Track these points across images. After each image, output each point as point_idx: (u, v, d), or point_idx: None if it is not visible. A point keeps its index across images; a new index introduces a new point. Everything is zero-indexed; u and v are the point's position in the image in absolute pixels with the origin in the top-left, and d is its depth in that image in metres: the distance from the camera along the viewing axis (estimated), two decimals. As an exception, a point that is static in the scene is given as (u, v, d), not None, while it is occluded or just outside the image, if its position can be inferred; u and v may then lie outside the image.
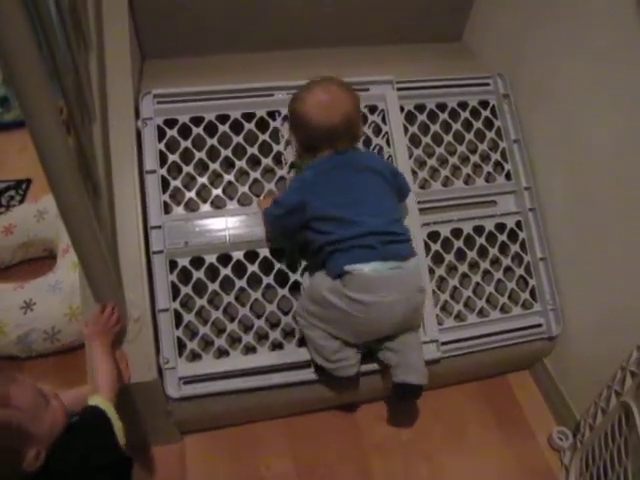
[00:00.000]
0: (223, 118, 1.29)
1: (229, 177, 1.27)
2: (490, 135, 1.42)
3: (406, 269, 1.12)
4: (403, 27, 1.59)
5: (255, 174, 1.28)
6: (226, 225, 1.24)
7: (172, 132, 1.26)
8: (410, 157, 1.35)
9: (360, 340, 1.18)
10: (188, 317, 1.21)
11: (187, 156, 1.27)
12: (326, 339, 1.16)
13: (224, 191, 1.27)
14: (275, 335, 1.23)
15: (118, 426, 0.87)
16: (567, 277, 1.33)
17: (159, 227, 1.22)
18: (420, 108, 1.39)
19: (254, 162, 1.30)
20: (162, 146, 1.26)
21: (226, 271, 1.22)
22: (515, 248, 1.37)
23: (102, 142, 1.15)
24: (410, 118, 1.38)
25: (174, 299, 1.20)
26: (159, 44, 1.49)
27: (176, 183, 1.25)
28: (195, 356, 1.20)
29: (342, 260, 1.10)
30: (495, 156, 1.41)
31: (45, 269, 1.48)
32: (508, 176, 1.41)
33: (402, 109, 1.37)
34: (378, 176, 1.17)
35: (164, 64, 1.48)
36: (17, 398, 0.77)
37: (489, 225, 1.36)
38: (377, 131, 1.36)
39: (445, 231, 1.33)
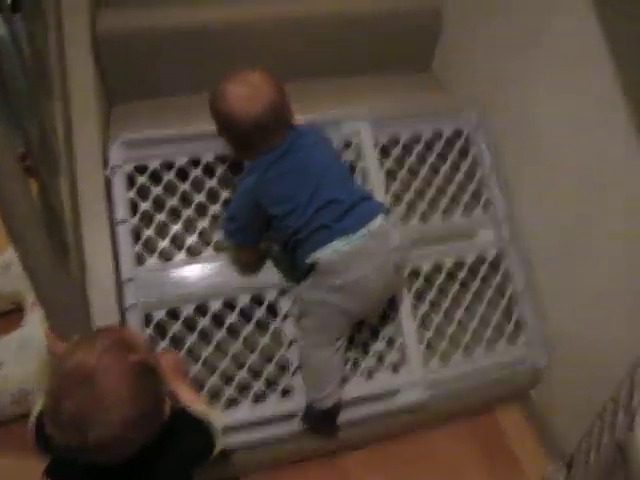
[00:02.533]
0: (195, 162, 1.35)
1: (203, 223, 1.31)
2: (466, 165, 1.50)
3: (367, 235, 1.15)
4: (372, 58, 1.70)
5: None
6: (202, 273, 1.28)
7: (142, 179, 1.32)
8: (387, 192, 1.40)
9: (360, 319, 1.28)
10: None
11: (159, 203, 1.34)
12: (327, 362, 1.21)
13: (199, 237, 1.31)
14: (258, 385, 1.26)
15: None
16: (552, 307, 1.43)
17: (132, 280, 1.25)
18: (394, 141, 1.46)
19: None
20: (133, 194, 1.31)
21: (204, 322, 1.26)
22: (497, 280, 1.44)
23: (70, 194, 1.19)
24: (385, 152, 1.46)
25: (151, 354, 1.21)
26: (126, 88, 1.57)
27: (149, 232, 1.30)
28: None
29: (303, 253, 1.16)
30: (472, 186, 1.49)
31: (14, 323, 1.49)
32: (486, 206, 1.50)
33: (376, 143, 1.43)
34: (317, 146, 1.23)
35: (132, 107, 1.56)
36: (139, 343, 0.84)
37: (470, 258, 1.44)
38: (352, 168, 1.41)
39: (426, 267, 1.41)
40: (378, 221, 1.17)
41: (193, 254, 1.31)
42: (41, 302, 0.94)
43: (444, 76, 1.73)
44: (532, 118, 1.38)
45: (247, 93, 1.14)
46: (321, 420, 1.26)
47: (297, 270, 1.23)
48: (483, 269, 1.44)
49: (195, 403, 1.00)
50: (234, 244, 1.27)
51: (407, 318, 1.35)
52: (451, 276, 1.43)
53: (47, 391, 0.77)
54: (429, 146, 1.50)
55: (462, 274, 1.42)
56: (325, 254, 1.12)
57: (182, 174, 1.34)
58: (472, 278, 1.44)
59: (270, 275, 1.31)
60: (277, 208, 1.16)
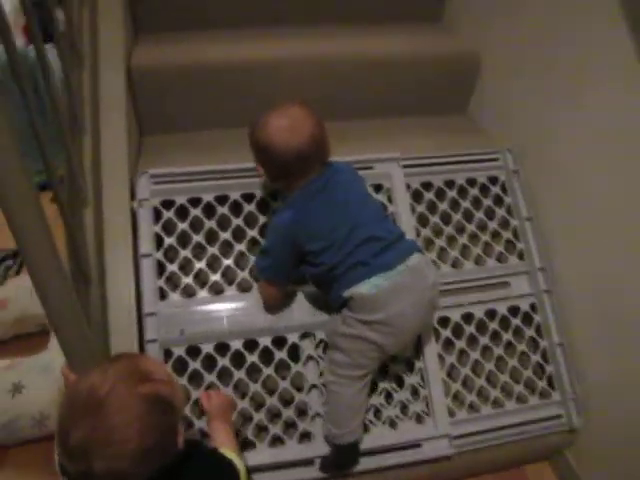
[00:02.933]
0: (222, 199, 1.36)
1: (228, 261, 1.32)
2: (500, 212, 1.48)
3: (406, 271, 1.15)
4: (407, 100, 1.70)
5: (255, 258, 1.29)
6: (224, 312, 1.28)
7: (169, 214, 1.31)
8: (418, 237, 1.37)
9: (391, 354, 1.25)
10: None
11: (184, 239, 1.34)
12: (353, 398, 1.19)
13: (223, 275, 1.33)
14: (275, 429, 1.23)
15: None
16: (588, 364, 1.37)
17: (153, 314, 1.24)
18: (427, 186, 1.45)
19: (254, 245, 1.33)
20: (158, 228, 1.31)
21: (224, 361, 1.25)
22: (530, 332, 1.40)
23: (94, 225, 1.19)
24: (417, 196, 1.44)
25: (168, 391, 1.19)
26: (158, 121, 1.60)
27: (172, 267, 1.29)
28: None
29: (338, 288, 1.17)
30: (506, 234, 1.47)
31: (40, 345, 1.51)
32: (521, 256, 1.47)
33: (408, 187, 1.41)
34: (353, 184, 1.25)
35: (163, 140, 1.58)
36: (156, 372, 0.83)
37: (502, 308, 1.40)
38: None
39: (456, 316, 1.38)
40: (415, 258, 1.18)
41: (216, 292, 1.30)
42: (56, 333, 0.93)
43: (480, 119, 1.72)
44: (569, 168, 1.35)
45: (288, 124, 1.16)
46: (339, 455, 1.23)
47: (331, 304, 1.23)
48: (516, 321, 1.40)
49: (226, 446, 0.99)
50: (265, 279, 1.25)
51: (433, 368, 1.32)
52: (482, 326, 1.38)
53: (58, 418, 0.77)
54: (463, 192, 1.48)
55: (493, 325, 1.38)
56: (364, 289, 1.12)
57: (209, 210, 1.34)
58: (504, 330, 1.39)
59: (294, 317, 1.29)
60: (314, 244, 1.16)
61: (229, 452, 0.97)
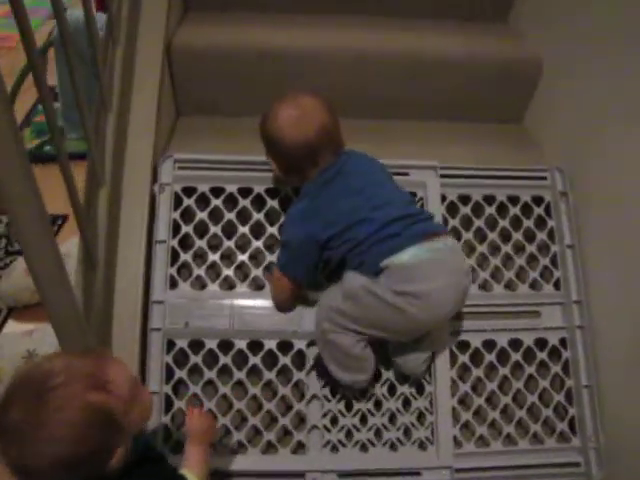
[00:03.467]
0: (245, 191, 1.32)
1: (243, 257, 1.28)
2: (541, 236, 1.38)
3: (446, 249, 1.10)
4: (456, 104, 1.60)
5: (271, 257, 1.27)
6: (232, 310, 1.24)
7: (189, 201, 1.28)
8: (446, 253, 1.28)
9: (402, 338, 1.18)
10: (178, 404, 1.21)
11: (202, 228, 1.30)
12: (356, 345, 1.13)
13: (236, 271, 1.27)
14: (270, 436, 1.19)
15: None
16: (617, 413, 1.26)
17: (161, 302, 1.21)
18: (465, 199, 1.36)
19: (271, 243, 1.30)
20: (177, 215, 1.27)
21: (226, 359, 1.21)
22: (556, 369, 1.30)
23: (108, 207, 1.17)
24: (452, 209, 1.35)
25: (167, 382, 1.19)
26: (197, 103, 1.56)
27: (186, 257, 1.26)
28: (180, 449, 1.16)
29: (373, 257, 1.08)
30: (544, 260, 1.37)
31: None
32: (557, 285, 1.36)
33: (444, 198, 1.34)
34: (370, 170, 1.19)
35: (200, 123, 1.55)
36: (115, 383, 0.77)
37: (528, 339, 1.30)
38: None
39: (476, 341, 1.29)
40: (450, 239, 1.13)
41: (227, 287, 1.26)
42: (48, 314, 0.91)
43: (535, 132, 1.59)
44: (624, 199, 1.22)
45: (298, 115, 1.13)
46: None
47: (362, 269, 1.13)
48: (542, 355, 1.29)
49: (191, 469, 0.92)
50: (284, 274, 1.19)
51: (444, 394, 1.24)
52: (503, 356, 1.29)
53: (4, 390, 0.74)
54: (503, 209, 1.37)
55: (517, 356, 1.28)
56: (405, 258, 1.05)
57: (230, 202, 1.30)
58: (527, 362, 1.29)
59: (303, 323, 1.23)
60: (333, 229, 1.10)
61: (191, 476, 0.90)
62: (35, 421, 0.70)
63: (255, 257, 1.29)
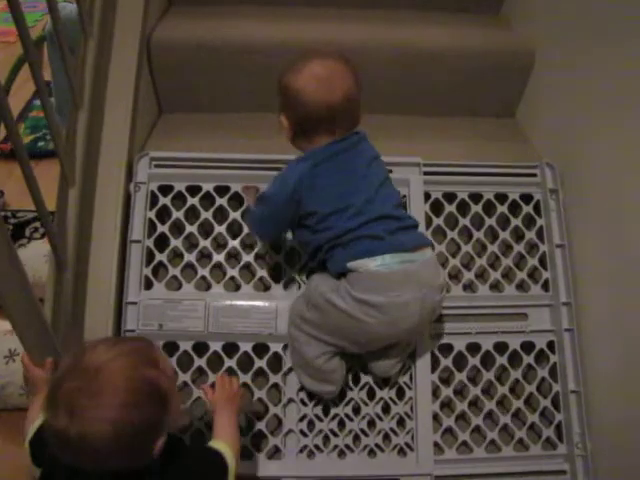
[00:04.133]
0: (222, 190, 1.27)
1: (219, 257, 1.24)
2: (529, 235, 1.33)
3: (420, 262, 1.04)
4: (445, 97, 1.54)
5: (248, 257, 1.26)
6: (207, 311, 1.20)
7: (165, 200, 1.25)
8: (429, 254, 1.23)
9: (364, 349, 1.13)
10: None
11: (178, 228, 1.26)
12: (321, 356, 1.10)
13: (211, 272, 1.24)
14: (244, 441, 1.15)
15: None
16: (605, 420, 1.20)
17: (135, 304, 1.18)
18: (450, 197, 1.32)
19: (248, 244, 1.26)
20: (153, 214, 1.24)
21: (201, 362, 1.18)
22: (543, 373, 1.25)
23: (80, 207, 1.14)
24: (436, 208, 1.30)
25: (142, 385, 1.13)
26: (179, 99, 1.53)
27: (161, 257, 1.22)
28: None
29: (343, 256, 1.04)
30: (532, 261, 1.32)
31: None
32: (545, 286, 1.30)
33: (428, 197, 1.29)
34: (376, 161, 1.12)
35: (183, 119, 1.52)
36: (164, 365, 0.81)
37: (514, 343, 1.26)
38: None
39: (460, 344, 1.25)
40: (429, 252, 1.07)
41: (202, 288, 1.22)
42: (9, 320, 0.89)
43: (525, 126, 1.53)
44: (616, 197, 1.16)
45: (326, 74, 1.03)
46: None
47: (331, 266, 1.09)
48: (529, 359, 1.24)
49: (220, 438, 0.94)
50: (252, 230, 1.17)
51: (425, 398, 1.19)
52: (488, 359, 1.24)
53: (57, 370, 0.79)
54: (490, 208, 1.32)
55: (502, 360, 1.23)
56: (373, 265, 1.00)
57: (207, 200, 1.26)
58: (513, 366, 1.24)
59: (279, 326, 1.18)
60: (323, 207, 1.04)
61: (221, 444, 0.91)
62: (91, 389, 0.72)
63: (232, 257, 1.25)
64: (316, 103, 1.03)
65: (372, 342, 1.09)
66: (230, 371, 1.18)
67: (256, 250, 1.24)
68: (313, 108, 1.03)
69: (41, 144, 2.20)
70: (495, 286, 1.29)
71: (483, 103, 1.55)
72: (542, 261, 1.30)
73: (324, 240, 1.05)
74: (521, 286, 1.29)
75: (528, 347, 1.25)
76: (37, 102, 2.45)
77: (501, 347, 1.24)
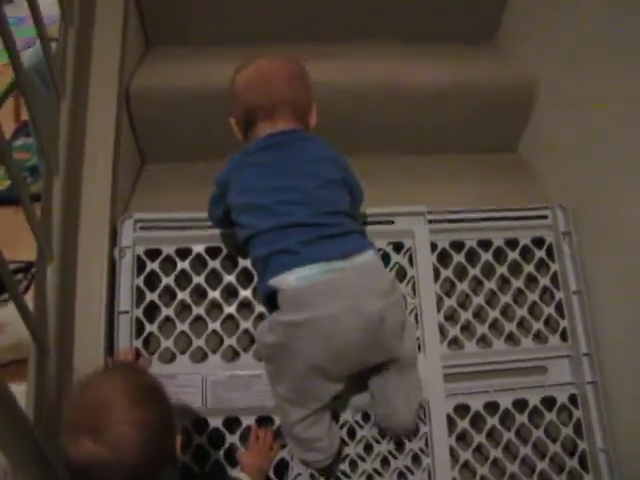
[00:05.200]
0: (214, 252, 1.17)
1: (214, 325, 1.14)
2: (543, 282, 1.25)
3: (350, 269, 0.94)
4: (445, 134, 1.47)
5: (246, 324, 1.15)
6: (204, 385, 1.09)
7: (153, 265, 1.16)
8: (440, 310, 1.15)
9: (336, 387, 0.99)
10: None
11: (168, 295, 1.16)
12: (299, 423, 1.00)
13: (207, 340, 1.14)
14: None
15: None
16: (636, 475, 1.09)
17: (126, 380, 1.05)
18: (457, 245, 1.24)
19: (245, 308, 1.17)
20: (140, 281, 1.14)
21: (201, 439, 1.08)
22: (567, 431, 1.17)
23: (60, 282, 1.04)
24: (444, 258, 1.22)
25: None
26: (162, 148, 1.43)
27: (152, 328, 1.12)
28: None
29: (264, 275, 0.97)
30: (548, 309, 1.23)
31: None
32: (564, 336, 1.22)
33: (434, 247, 1.20)
34: (324, 163, 1.03)
35: (166, 170, 1.42)
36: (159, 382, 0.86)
37: (534, 399, 1.17)
38: (401, 275, 1.18)
39: (477, 404, 1.16)
40: (364, 257, 0.96)
41: (197, 359, 1.12)
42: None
43: (531, 162, 1.45)
44: (634, 239, 1.08)
45: (266, 66, 1.04)
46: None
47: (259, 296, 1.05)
48: (551, 415, 1.15)
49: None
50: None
51: (443, 464, 1.10)
52: (507, 419, 1.15)
53: (64, 409, 0.80)
54: (500, 255, 1.23)
55: (522, 418, 1.14)
56: (292, 278, 0.91)
57: (198, 263, 1.16)
58: (535, 425, 1.15)
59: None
60: (240, 197, 0.99)
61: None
62: (103, 407, 0.75)
63: (226, 325, 1.15)
64: (252, 87, 1.02)
65: (333, 368, 0.95)
66: (232, 448, 1.08)
67: (254, 315, 1.14)
68: (249, 93, 1.02)
69: (21, 188, 2.09)
70: (510, 338, 1.20)
71: (485, 139, 1.47)
72: (559, 309, 1.21)
73: (242, 239, 1.01)
74: (538, 337, 1.20)
75: (549, 402, 1.16)
76: (18, 142, 2.35)
77: (521, 405, 1.15)
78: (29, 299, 1.50)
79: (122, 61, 1.24)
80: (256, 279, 1.14)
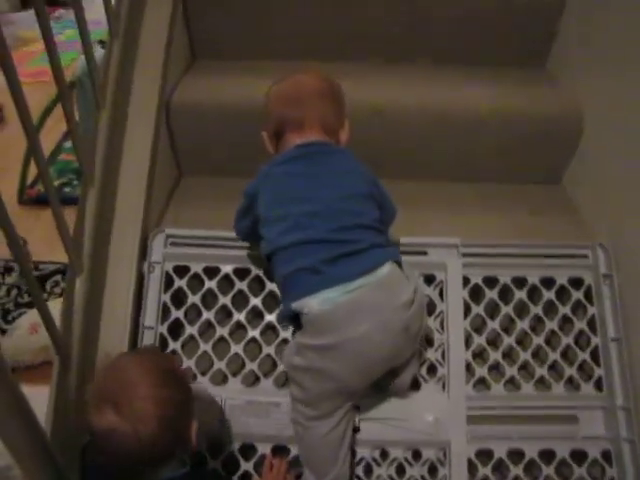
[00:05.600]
0: (242, 273, 1.16)
1: (237, 348, 1.12)
2: (580, 325, 1.18)
3: (370, 285, 0.92)
4: (485, 163, 1.42)
5: (268, 349, 1.14)
6: (223, 408, 1.06)
7: (181, 282, 1.15)
8: (468, 347, 1.12)
9: (354, 398, 1.01)
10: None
11: (194, 313, 1.16)
12: (323, 439, 0.97)
13: (228, 364, 1.13)
14: None
15: None
16: None
17: (147, 395, 1.05)
18: (491, 281, 1.19)
19: (269, 332, 1.16)
20: (167, 297, 1.14)
21: (215, 464, 1.06)
22: None
23: (88, 294, 1.05)
24: (476, 294, 1.17)
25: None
26: (201, 162, 1.43)
27: (175, 346, 1.11)
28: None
29: (287, 297, 0.96)
30: (583, 355, 1.17)
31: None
32: (599, 386, 1.15)
33: (467, 281, 1.17)
34: (351, 175, 1.02)
35: (205, 184, 1.43)
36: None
37: (563, 451, 1.11)
38: (429, 309, 1.13)
39: (500, 451, 1.10)
40: (385, 269, 0.94)
41: (217, 382, 1.11)
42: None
43: (574, 197, 1.39)
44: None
45: (300, 79, 1.06)
46: None
47: (282, 313, 1.01)
48: (580, 470, 1.08)
49: None
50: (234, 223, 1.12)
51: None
52: (532, 469, 1.09)
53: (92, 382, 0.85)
54: (535, 293, 1.18)
55: (549, 470, 1.08)
56: (315, 303, 0.90)
57: (226, 284, 1.15)
58: (562, 479, 1.09)
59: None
60: (264, 209, 0.98)
61: None
62: (127, 383, 0.81)
63: (249, 348, 1.13)
64: (283, 97, 1.04)
65: (361, 384, 0.96)
66: (246, 475, 1.07)
67: (278, 340, 1.12)
68: (280, 102, 1.04)
69: (67, 190, 2.13)
70: (540, 383, 1.14)
71: (528, 169, 1.42)
72: (594, 355, 1.15)
73: (265, 254, 0.99)
74: (570, 383, 1.15)
75: (579, 457, 1.10)
76: (67, 144, 2.39)
77: (547, 456, 1.09)
78: (58, 306, 1.53)
79: (164, 75, 1.25)
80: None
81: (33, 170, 2.11)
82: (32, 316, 1.61)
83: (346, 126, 1.07)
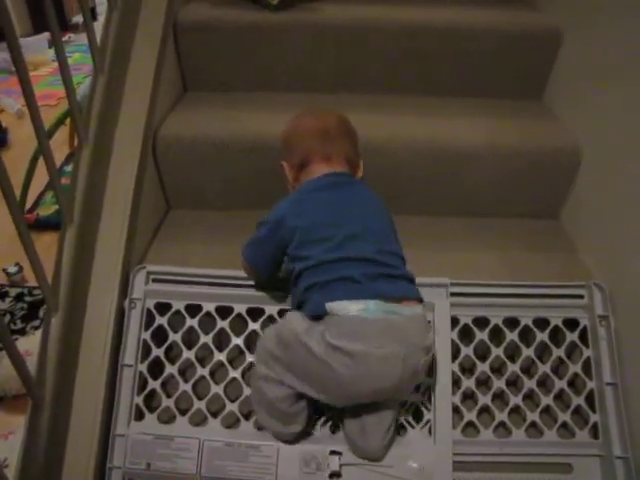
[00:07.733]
0: (224, 311, 1.13)
1: (217, 388, 1.09)
2: (574, 369, 1.13)
3: (408, 316, 0.94)
4: (484, 195, 1.38)
5: (248, 390, 1.07)
6: (201, 451, 1.05)
7: (162, 320, 1.13)
8: (456, 390, 1.07)
9: (335, 404, 1.00)
10: None
11: (174, 352, 1.12)
12: (286, 399, 0.99)
13: (208, 404, 1.09)
14: None
15: None
16: None
17: (123, 436, 1.06)
18: (481, 322, 1.14)
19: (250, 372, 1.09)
20: (148, 335, 1.10)
21: (192, 509, 1.01)
22: None
23: (62, 337, 1.02)
24: (465, 335, 1.13)
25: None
26: (188, 195, 1.42)
27: (154, 385, 1.07)
28: None
29: (321, 297, 0.96)
30: (577, 400, 1.12)
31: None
32: (594, 433, 1.10)
33: (455, 322, 1.12)
34: (379, 207, 1.09)
35: (191, 218, 1.41)
36: None
37: (557, 500, 1.03)
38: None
39: (489, 503, 1.02)
40: (419, 308, 0.98)
41: (196, 423, 1.07)
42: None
43: (573, 234, 1.35)
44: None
45: (319, 115, 1.15)
46: None
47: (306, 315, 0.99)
48: (575, 522, 1.04)
49: None
50: (243, 256, 1.10)
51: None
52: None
53: None
54: (527, 335, 1.14)
55: (541, 521, 1.03)
56: (354, 308, 0.91)
57: (207, 322, 1.13)
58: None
59: (281, 470, 1.01)
60: (304, 233, 1.00)
61: None
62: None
63: (230, 389, 1.10)
64: (309, 128, 1.11)
65: (343, 397, 0.96)
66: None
67: (259, 381, 1.09)
68: (306, 133, 1.10)
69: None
70: (533, 428, 1.09)
71: (523, 204, 1.38)
72: (590, 400, 1.10)
73: (297, 270, 1.00)
74: (564, 429, 1.10)
75: (574, 507, 1.05)
76: (68, 168, 2.41)
77: (540, 506, 1.05)
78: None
79: (151, 109, 1.24)
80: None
81: (31, 195, 2.14)
82: (22, 344, 1.59)
83: (361, 165, 1.15)
